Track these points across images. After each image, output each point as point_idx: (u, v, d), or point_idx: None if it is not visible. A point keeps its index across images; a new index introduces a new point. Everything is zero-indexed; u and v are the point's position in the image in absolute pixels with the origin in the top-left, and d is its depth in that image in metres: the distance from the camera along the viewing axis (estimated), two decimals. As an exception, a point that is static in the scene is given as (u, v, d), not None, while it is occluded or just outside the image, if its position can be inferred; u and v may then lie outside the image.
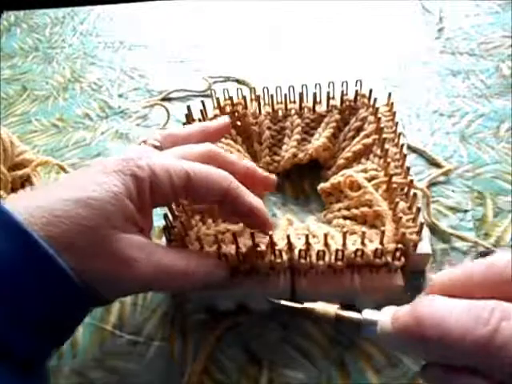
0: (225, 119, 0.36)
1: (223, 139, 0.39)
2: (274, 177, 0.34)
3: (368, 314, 0.22)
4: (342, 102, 0.40)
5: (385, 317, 0.21)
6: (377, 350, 0.30)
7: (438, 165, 0.41)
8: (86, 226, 0.23)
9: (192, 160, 0.28)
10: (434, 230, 0.36)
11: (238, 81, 0.54)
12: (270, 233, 0.29)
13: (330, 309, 0.24)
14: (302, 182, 0.41)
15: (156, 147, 0.30)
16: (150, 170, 0.25)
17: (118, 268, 0.23)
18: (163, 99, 0.53)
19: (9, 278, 0.21)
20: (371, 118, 0.39)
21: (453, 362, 0.19)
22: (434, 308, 0.19)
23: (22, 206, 0.22)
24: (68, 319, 0.24)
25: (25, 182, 0.42)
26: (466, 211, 0.38)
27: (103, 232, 0.23)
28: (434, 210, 0.38)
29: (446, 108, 0.47)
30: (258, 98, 0.41)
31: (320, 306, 0.24)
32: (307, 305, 0.25)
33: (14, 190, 0.41)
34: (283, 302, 0.26)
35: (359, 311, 0.22)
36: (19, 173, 0.41)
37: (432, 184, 0.40)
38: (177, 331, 0.32)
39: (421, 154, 0.43)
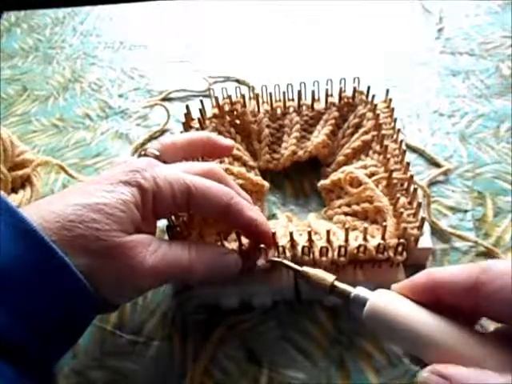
0: (230, 142, 0.36)
1: None
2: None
3: (361, 290, 0.23)
4: (341, 99, 0.40)
5: (376, 296, 0.22)
6: (377, 350, 0.30)
7: (437, 165, 0.41)
8: (98, 229, 0.23)
9: (193, 174, 0.28)
10: (434, 230, 0.36)
11: (237, 81, 0.54)
12: (273, 231, 0.29)
13: (328, 277, 0.25)
14: (302, 181, 0.41)
15: (156, 157, 0.30)
16: (154, 182, 0.26)
17: (129, 265, 0.24)
18: (163, 99, 0.53)
19: (21, 281, 0.22)
20: (369, 115, 0.39)
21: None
22: (431, 272, 0.22)
23: (36, 211, 0.23)
24: (77, 322, 0.25)
25: (25, 181, 0.42)
26: (465, 211, 0.38)
27: (114, 234, 0.24)
28: (433, 210, 0.38)
29: (446, 108, 0.47)
30: (256, 97, 0.41)
31: (318, 273, 0.25)
32: (306, 269, 0.26)
33: (14, 189, 0.41)
34: (284, 261, 0.28)
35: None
36: (19, 173, 0.41)
37: (432, 184, 0.40)
38: (177, 331, 0.32)
39: (421, 153, 0.43)
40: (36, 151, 0.48)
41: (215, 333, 0.32)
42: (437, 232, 0.36)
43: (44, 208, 0.24)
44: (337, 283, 0.25)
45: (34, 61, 0.63)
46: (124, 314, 0.34)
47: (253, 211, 0.29)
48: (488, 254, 0.34)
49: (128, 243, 0.24)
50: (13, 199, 0.39)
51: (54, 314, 0.23)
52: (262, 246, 0.29)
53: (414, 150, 0.43)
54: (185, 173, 0.28)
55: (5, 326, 0.21)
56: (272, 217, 0.39)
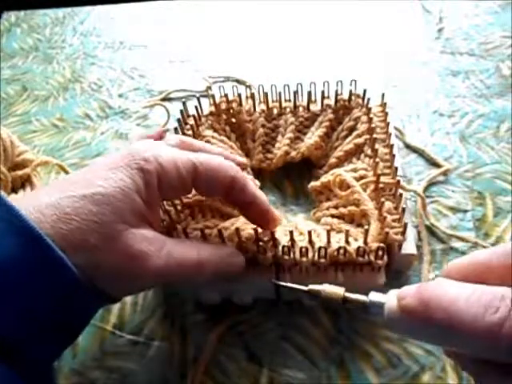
0: (243, 160, 0.35)
1: (217, 135, 0.40)
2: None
3: (374, 296, 0.22)
4: (337, 101, 0.40)
5: (391, 299, 0.21)
6: (377, 350, 0.30)
7: (437, 165, 0.41)
8: (96, 222, 0.23)
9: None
10: (433, 231, 0.36)
11: (237, 81, 0.54)
12: (274, 229, 0.29)
13: (337, 291, 0.24)
14: (302, 181, 0.41)
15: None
16: (157, 162, 0.25)
17: (130, 262, 0.23)
18: (163, 99, 0.53)
19: (17, 279, 0.21)
20: (364, 118, 0.39)
21: (456, 348, 0.19)
22: (441, 291, 0.18)
23: (32, 204, 0.23)
24: (76, 319, 0.24)
25: (25, 181, 0.42)
26: (465, 211, 0.38)
27: (113, 227, 0.23)
28: (433, 210, 0.38)
29: (446, 108, 0.47)
30: (252, 96, 0.41)
31: (326, 288, 0.24)
32: (312, 287, 0.25)
33: (14, 189, 0.41)
34: (289, 284, 0.27)
35: (366, 294, 0.22)
36: (19, 173, 0.41)
37: (432, 184, 0.40)
38: (177, 331, 0.32)
39: (420, 154, 0.43)
40: (36, 151, 0.48)
41: (215, 333, 0.32)
42: (436, 233, 0.36)
43: (41, 200, 0.23)
44: (347, 294, 0.24)
45: (34, 61, 0.63)
46: (124, 314, 0.34)
47: (257, 189, 0.29)
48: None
49: (129, 238, 0.23)
50: (13, 199, 0.39)
51: (51, 312, 0.22)
52: (261, 243, 0.29)
53: (414, 150, 0.43)
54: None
55: (2, 324, 0.21)
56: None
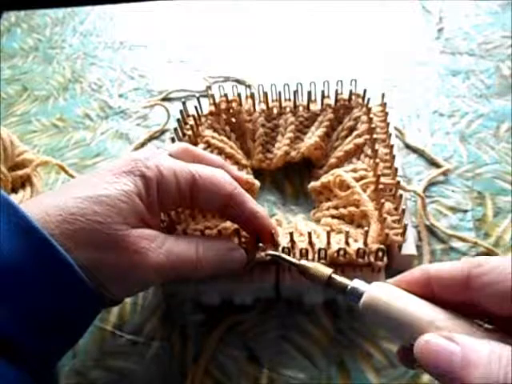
0: (243, 174, 0.35)
1: (217, 135, 0.39)
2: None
3: (357, 283, 0.23)
4: (337, 101, 0.40)
5: (371, 289, 0.22)
6: (377, 350, 0.30)
7: (437, 165, 0.41)
8: (100, 222, 0.23)
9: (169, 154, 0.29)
10: (433, 231, 0.36)
11: (238, 81, 0.54)
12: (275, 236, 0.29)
13: (325, 271, 0.25)
14: (303, 181, 0.41)
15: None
16: (158, 170, 0.26)
17: (132, 259, 0.24)
18: (163, 99, 0.53)
19: (22, 279, 0.21)
20: (364, 118, 0.39)
21: (411, 336, 0.21)
22: (425, 267, 0.22)
23: (37, 206, 0.23)
24: (79, 319, 0.25)
25: (25, 181, 0.42)
26: (465, 211, 0.38)
27: (117, 227, 0.24)
28: (433, 210, 0.38)
29: (446, 108, 0.47)
30: (251, 96, 0.41)
31: (316, 266, 0.26)
32: (304, 262, 0.26)
33: (14, 189, 0.41)
34: (282, 255, 0.28)
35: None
36: (19, 173, 0.41)
37: (432, 184, 0.40)
38: (177, 331, 0.32)
39: (421, 154, 0.43)
40: (36, 151, 0.48)
41: (215, 333, 0.32)
42: (436, 233, 0.36)
43: (47, 201, 0.24)
44: (334, 276, 0.25)
45: (34, 61, 0.63)
46: (124, 313, 0.34)
47: (256, 204, 0.29)
48: (488, 255, 0.35)
49: (131, 237, 0.24)
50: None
51: (55, 312, 0.23)
52: (261, 244, 0.29)
53: (414, 150, 0.43)
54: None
55: (6, 324, 0.21)
56: (272, 217, 0.39)
